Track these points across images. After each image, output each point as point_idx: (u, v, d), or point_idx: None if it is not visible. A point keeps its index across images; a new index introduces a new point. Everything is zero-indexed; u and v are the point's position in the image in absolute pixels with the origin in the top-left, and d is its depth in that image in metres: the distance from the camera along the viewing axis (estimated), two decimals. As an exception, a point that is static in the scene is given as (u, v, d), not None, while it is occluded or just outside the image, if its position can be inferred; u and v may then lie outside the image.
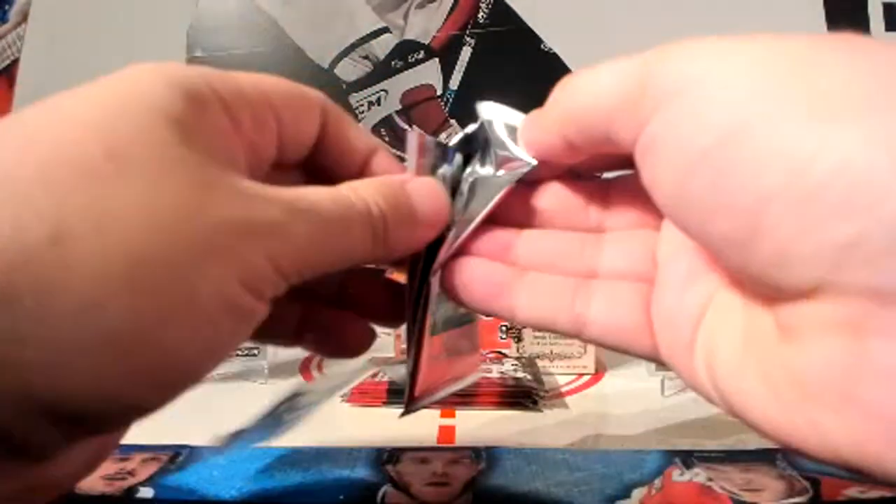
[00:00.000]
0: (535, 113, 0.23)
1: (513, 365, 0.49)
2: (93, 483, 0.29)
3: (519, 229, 0.23)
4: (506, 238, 0.22)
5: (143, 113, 0.15)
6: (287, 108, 0.20)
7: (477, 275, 0.22)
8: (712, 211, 0.14)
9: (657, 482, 0.29)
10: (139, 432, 0.38)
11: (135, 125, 0.15)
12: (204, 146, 0.16)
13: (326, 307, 0.24)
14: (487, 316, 0.24)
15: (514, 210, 0.23)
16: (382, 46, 1.48)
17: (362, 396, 0.46)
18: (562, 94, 0.20)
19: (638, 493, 0.28)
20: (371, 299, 0.25)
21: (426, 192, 0.21)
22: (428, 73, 1.47)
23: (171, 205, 0.14)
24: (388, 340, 0.60)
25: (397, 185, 0.21)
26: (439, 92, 1.46)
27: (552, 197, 0.23)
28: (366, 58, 1.47)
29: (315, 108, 0.21)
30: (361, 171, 0.23)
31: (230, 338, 0.16)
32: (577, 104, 0.19)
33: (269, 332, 0.20)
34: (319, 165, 0.22)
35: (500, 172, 0.23)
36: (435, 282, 0.22)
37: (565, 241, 0.23)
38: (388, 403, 0.45)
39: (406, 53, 1.49)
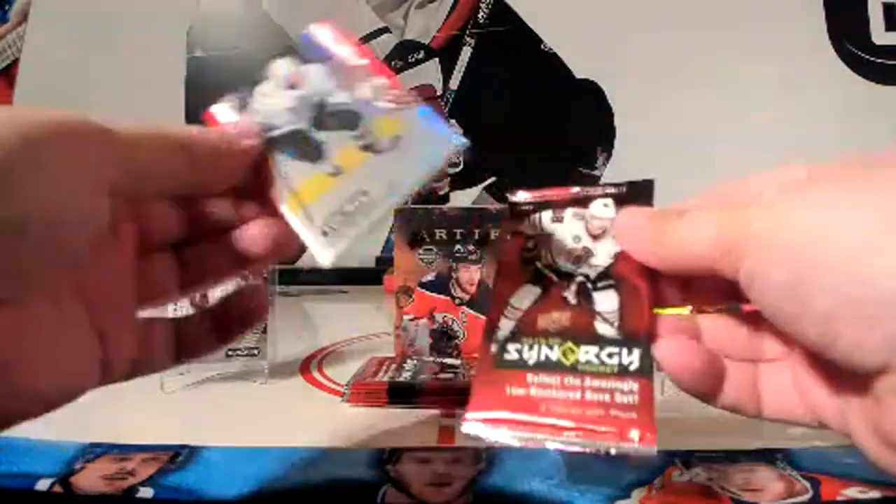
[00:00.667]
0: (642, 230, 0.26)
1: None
2: (93, 483, 0.29)
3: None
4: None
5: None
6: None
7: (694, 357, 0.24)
8: (800, 322, 0.20)
9: (657, 482, 0.29)
10: (140, 432, 0.38)
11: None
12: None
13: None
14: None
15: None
16: (382, 46, 1.48)
17: (362, 396, 0.46)
18: (668, 236, 0.24)
19: (638, 493, 0.28)
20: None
21: (228, 125, 0.26)
22: (428, 73, 1.47)
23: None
24: (388, 340, 0.60)
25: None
26: (439, 92, 1.46)
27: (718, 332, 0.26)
28: (366, 58, 1.47)
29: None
30: None
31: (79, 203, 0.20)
32: (682, 246, 0.24)
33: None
34: None
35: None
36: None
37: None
38: (388, 403, 0.45)
39: (406, 53, 1.49)
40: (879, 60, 1.25)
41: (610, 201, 0.28)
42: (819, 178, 0.23)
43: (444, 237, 0.55)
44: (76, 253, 0.20)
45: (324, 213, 0.24)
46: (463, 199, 1.25)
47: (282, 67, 0.27)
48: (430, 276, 0.55)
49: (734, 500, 0.29)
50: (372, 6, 1.34)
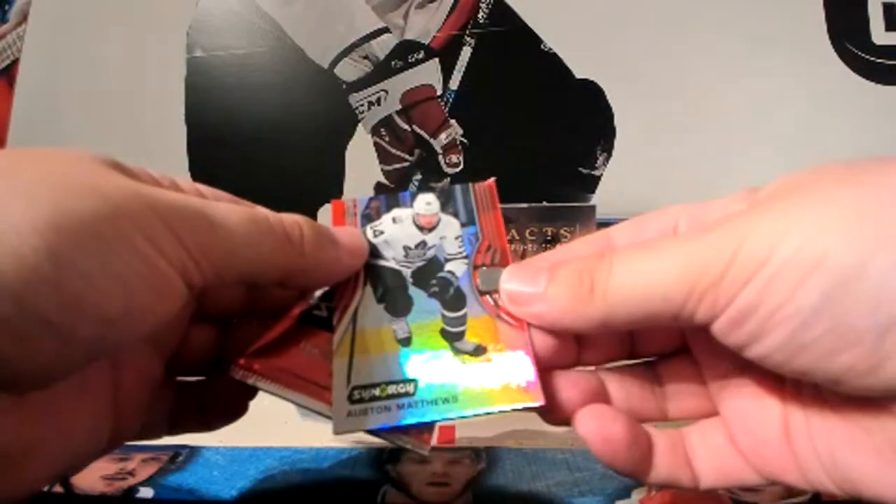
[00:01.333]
0: (563, 296, 0.21)
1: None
2: (93, 483, 0.29)
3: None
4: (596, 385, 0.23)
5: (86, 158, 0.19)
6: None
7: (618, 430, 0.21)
8: (832, 351, 0.16)
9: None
10: (139, 432, 0.38)
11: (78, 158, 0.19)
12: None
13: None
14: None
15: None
16: (382, 46, 1.48)
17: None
18: (613, 287, 0.20)
19: (638, 493, 0.28)
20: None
21: (345, 230, 0.23)
22: (428, 73, 1.46)
23: (89, 180, 0.17)
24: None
25: (317, 223, 0.23)
26: (439, 92, 1.45)
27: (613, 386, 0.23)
28: (365, 58, 1.47)
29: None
30: None
31: (142, 301, 0.17)
32: (634, 295, 0.19)
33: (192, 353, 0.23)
34: None
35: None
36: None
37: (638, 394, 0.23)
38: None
39: (406, 53, 1.48)
40: (880, 60, 1.25)
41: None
42: (794, 188, 0.18)
43: (444, 237, 0.55)
44: (131, 342, 0.18)
45: (364, 376, 0.22)
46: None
47: (424, 201, 0.26)
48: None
49: (734, 500, 0.29)
50: (371, 6, 1.34)
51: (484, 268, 0.24)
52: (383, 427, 0.21)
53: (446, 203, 0.26)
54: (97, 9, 1.38)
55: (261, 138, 1.36)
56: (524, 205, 0.54)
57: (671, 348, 0.23)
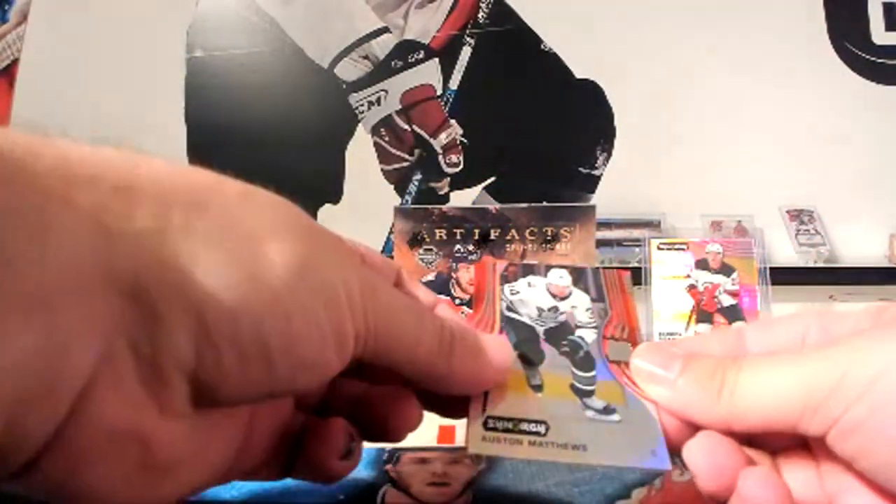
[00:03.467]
0: (693, 389, 0.22)
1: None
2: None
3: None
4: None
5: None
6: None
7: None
8: None
9: (657, 482, 0.29)
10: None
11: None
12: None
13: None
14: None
15: None
16: (382, 46, 1.48)
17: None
18: (740, 391, 0.21)
19: (638, 493, 0.28)
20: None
21: (495, 340, 0.23)
22: (428, 73, 1.47)
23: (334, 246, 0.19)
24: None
25: (471, 327, 0.23)
26: (439, 92, 1.45)
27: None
28: (365, 58, 1.47)
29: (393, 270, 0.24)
30: None
31: (328, 355, 0.17)
32: (758, 403, 0.21)
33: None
34: None
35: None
36: None
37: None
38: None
39: (406, 53, 1.49)
40: (880, 60, 1.25)
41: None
42: None
43: (444, 237, 0.55)
44: (306, 389, 0.18)
45: (498, 409, 0.22)
46: (463, 199, 1.25)
47: (558, 275, 0.27)
48: (430, 276, 0.55)
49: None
50: (371, 6, 1.34)
51: (614, 340, 0.25)
52: (514, 458, 0.23)
53: (577, 280, 0.27)
54: (97, 9, 1.38)
55: (261, 138, 1.36)
56: (524, 205, 0.54)
57: (791, 446, 0.23)
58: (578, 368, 0.24)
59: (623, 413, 0.23)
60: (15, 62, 1.36)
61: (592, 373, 0.24)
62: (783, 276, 0.68)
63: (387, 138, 1.30)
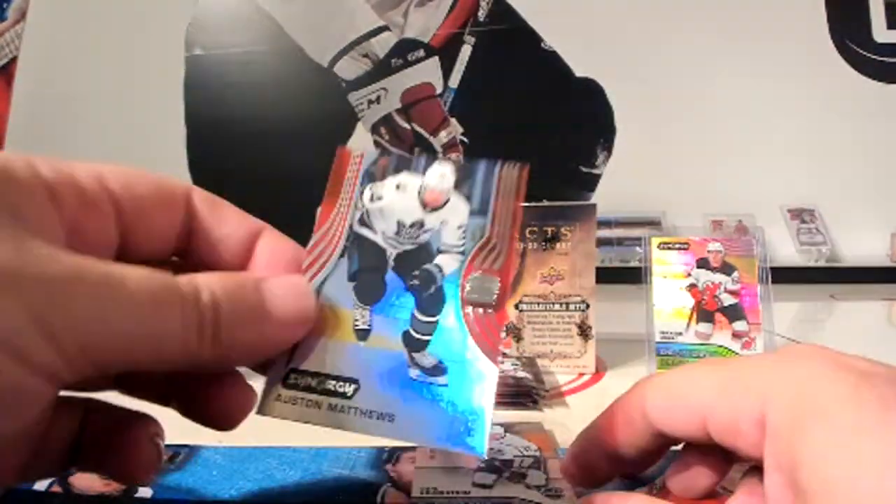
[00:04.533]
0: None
1: (513, 364, 0.49)
2: (91, 483, 0.29)
3: None
4: None
5: None
6: (133, 198, 0.18)
7: None
8: None
9: (658, 482, 0.29)
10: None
11: None
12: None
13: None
14: None
15: None
16: (382, 45, 1.48)
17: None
18: None
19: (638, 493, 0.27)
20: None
21: (287, 290, 0.18)
22: (428, 72, 1.47)
23: None
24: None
25: (249, 280, 0.18)
26: (439, 90, 1.45)
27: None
28: (365, 56, 1.47)
29: (176, 200, 0.19)
30: (246, 259, 0.20)
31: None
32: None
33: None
34: (198, 261, 0.20)
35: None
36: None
37: None
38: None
39: (406, 52, 1.48)
40: (881, 58, 1.25)
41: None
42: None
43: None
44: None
45: (306, 360, 0.19)
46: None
47: (439, 173, 0.21)
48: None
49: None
50: (371, 4, 1.34)
51: (478, 274, 0.20)
52: (305, 422, 0.19)
53: (462, 180, 0.21)
54: (96, 7, 1.38)
55: (260, 136, 1.36)
56: (524, 203, 0.54)
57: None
58: (421, 310, 0.20)
59: (454, 375, 0.19)
60: (13, 60, 1.36)
61: (435, 318, 0.20)
62: (784, 276, 0.68)
63: (386, 137, 1.30)
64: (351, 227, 0.21)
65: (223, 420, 0.19)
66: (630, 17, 1.29)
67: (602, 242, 1.11)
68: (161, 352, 0.16)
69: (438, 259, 0.21)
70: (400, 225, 0.21)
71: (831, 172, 1.21)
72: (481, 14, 1.32)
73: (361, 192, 0.22)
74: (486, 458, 0.19)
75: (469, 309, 0.20)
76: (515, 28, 1.31)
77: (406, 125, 1.29)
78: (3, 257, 0.14)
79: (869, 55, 1.26)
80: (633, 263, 1.08)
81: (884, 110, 1.23)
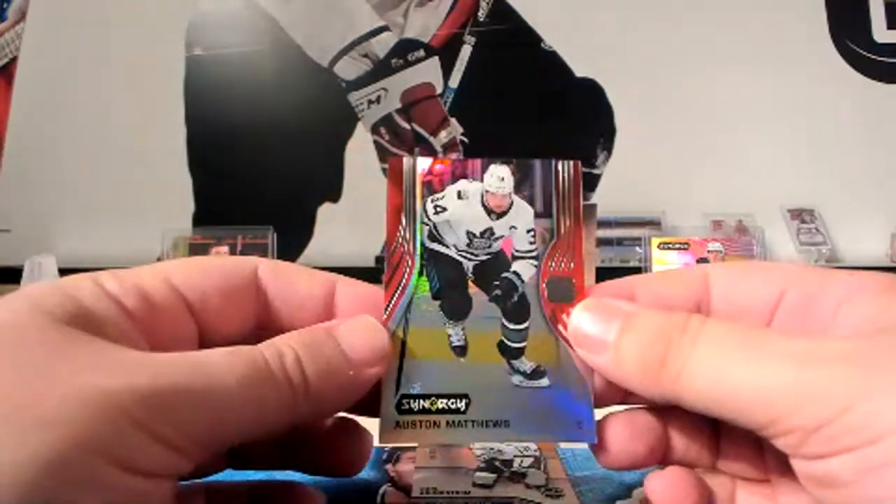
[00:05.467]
0: (632, 358, 0.18)
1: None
2: None
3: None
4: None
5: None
6: (200, 293, 0.19)
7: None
8: None
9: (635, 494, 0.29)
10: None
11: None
12: (75, 325, 0.16)
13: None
14: None
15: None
16: (382, 45, 1.48)
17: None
18: (687, 375, 0.18)
19: (638, 493, 0.27)
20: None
21: (356, 328, 0.19)
22: (428, 72, 1.46)
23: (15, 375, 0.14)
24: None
25: (319, 329, 0.19)
26: (439, 90, 1.45)
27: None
28: (365, 56, 1.47)
29: (243, 281, 0.20)
30: (328, 317, 0.21)
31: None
32: (709, 395, 0.17)
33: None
34: (281, 329, 0.20)
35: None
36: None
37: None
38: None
39: (406, 52, 1.48)
40: (881, 59, 1.25)
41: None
42: None
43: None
44: None
45: (415, 385, 0.20)
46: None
47: (498, 176, 0.21)
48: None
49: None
50: (371, 4, 1.34)
51: (554, 277, 0.21)
52: (431, 443, 0.20)
53: (522, 182, 0.21)
54: (96, 7, 1.38)
55: (260, 136, 1.36)
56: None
57: (751, 468, 0.21)
58: (509, 319, 0.21)
59: (553, 375, 0.20)
60: (13, 61, 1.36)
61: (525, 325, 0.20)
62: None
63: (387, 137, 1.30)
64: (423, 243, 0.21)
65: (349, 467, 0.21)
66: (630, 17, 1.29)
67: (602, 242, 1.11)
68: (263, 422, 0.16)
69: (515, 266, 0.21)
70: (470, 235, 0.21)
71: (831, 172, 1.21)
72: (481, 14, 1.32)
73: (424, 205, 0.21)
74: (595, 443, 0.20)
75: (552, 310, 0.20)
76: (515, 28, 1.31)
77: (406, 125, 1.29)
78: (92, 371, 0.14)
79: (869, 55, 1.26)
80: (633, 263, 1.07)
81: (884, 110, 1.23)
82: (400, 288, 0.21)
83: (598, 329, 0.19)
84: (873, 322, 0.17)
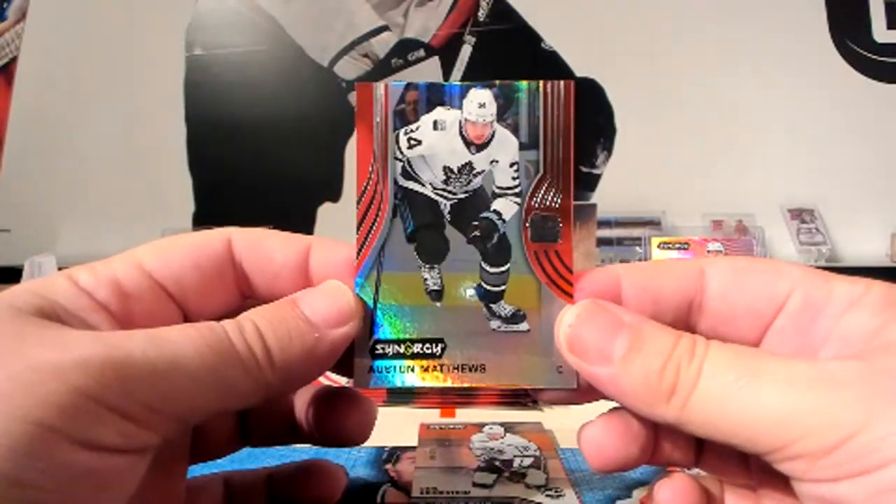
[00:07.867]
0: (637, 381, 0.18)
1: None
2: None
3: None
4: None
5: None
6: (172, 272, 0.19)
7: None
8: None
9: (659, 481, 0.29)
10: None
11: None
12: (41, 317, 0.16)
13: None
14: None
15: None
16: (382, 45, 1.48)
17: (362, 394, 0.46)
18: (697, 401, 0.17)
19: (638, 493, 0.27)
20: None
21: (320, 295, 0.19)
22: (428, 72, 1.47)
23: None
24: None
25: (283, 301, 0.19)
26: (439, 90, 1.44)
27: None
28: (365, 56, 1.47)
29: (216, 254, 0.20)
30: (306, 279, 0.21)
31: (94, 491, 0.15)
32: (717, 420, 0.17)
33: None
34: (267, 296, 0.20)
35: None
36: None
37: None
38: (387, 402, 0.45)
39: (406, 52, 1.48)
40: (881, 58, 1.25)
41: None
42: None
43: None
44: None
45: (389, 330, 0.19)
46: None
47: (477, 101, 0.19)
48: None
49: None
50: (371, 4, 1.34)
51: (538, 215, 0.20)
52: (406, 386, 0.19)
53: (506, 107, 0.20)
54: (96, 7, 1.38)
55: (260, 136, 1.36)
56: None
57: (737, 473, 0.20)
58: (489, 262, 0.19)
59: (533, 319, 0.19)
60: (13, 60, 1.36)
61: (505, 267, 0.19)
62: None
63: (387, 137, 1.30)
64: (395, 181, 0.19)
65: (357, 437, 0.21)
66: (630, 17, 1.29)
67: (602, 242, 1.11)
68: (227, 392, 0.17)
69: (495, 204, 0.19)
70: (447, 171, 0.19)
71: (831, 172, 1.21)
72: (481, 14, 1.32)
73: (397, 138, 0.19)
74: (575, 388, 0.19)
75: (535, 251, 0.19)
76: (515, 28, 1.31)
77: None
78: (42, 348, 0.14)
79: (869, 55, 1.26)
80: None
81: (884, 110, 1.23)
82: (372, 231, 0.19)
83: (600, 341, 0.18)
84: (874, 338, 0.17)
